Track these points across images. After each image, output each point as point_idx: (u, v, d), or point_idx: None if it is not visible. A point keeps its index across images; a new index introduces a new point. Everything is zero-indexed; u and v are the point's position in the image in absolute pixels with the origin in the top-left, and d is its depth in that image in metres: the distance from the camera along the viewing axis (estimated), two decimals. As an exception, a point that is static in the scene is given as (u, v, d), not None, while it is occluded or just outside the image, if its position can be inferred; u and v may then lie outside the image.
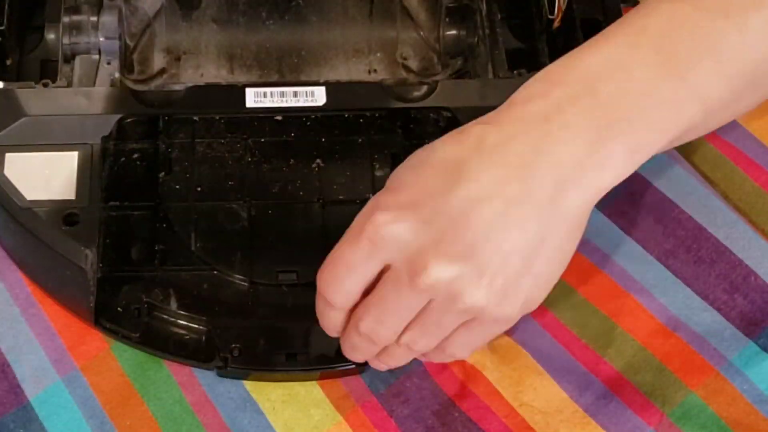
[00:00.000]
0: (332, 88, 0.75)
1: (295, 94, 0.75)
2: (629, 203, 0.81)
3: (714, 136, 0.84)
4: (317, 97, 0.75)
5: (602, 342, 0.75)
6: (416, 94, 0.75)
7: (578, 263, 0.78)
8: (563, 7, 0.80)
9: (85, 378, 0.73)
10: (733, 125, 0.85)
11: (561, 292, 0.77)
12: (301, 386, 0.75)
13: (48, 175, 0.72)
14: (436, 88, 0.76)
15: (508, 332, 0.75)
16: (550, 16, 0.83)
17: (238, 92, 0.75)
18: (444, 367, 0.75)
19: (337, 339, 0.73)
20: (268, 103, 0.75)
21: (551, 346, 0.76)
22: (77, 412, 0.72)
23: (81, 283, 0.70)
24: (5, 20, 0.80)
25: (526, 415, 0.73)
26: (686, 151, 0.84)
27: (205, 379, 0.74)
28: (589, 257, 0.79)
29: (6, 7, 0.81)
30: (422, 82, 0.77)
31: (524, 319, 0.72)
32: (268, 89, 0.75)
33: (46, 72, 0.82)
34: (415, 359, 0.73)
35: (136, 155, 0.80)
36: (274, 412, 0.73)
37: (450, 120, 0.79)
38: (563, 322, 0.76)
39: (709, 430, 0.72)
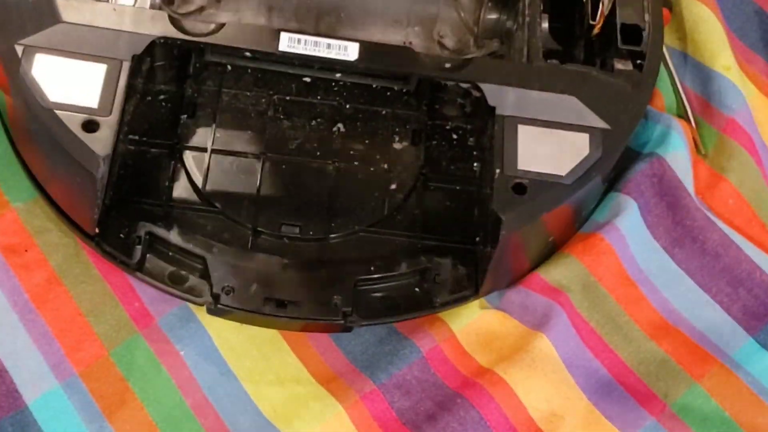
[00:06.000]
0: (366, 46, 0.75)
1: (329, 45, 0.76)
2: (649, 181, 0.80)
3: (733, 128, 0.84)
4: (350, 52, 0.75)
5: (609, 328, 0.75)
6: (447, 66, 0.75)
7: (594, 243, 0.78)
8: (606, 14, 0.80)
9: (83, 383, 0.73)
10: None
11: (575, 274, 0.77)
12: (301, 387, 0.74)
13: (74, 82, 0.71)
14: (468, 64, 0.75)
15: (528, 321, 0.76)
16: (592, 22, 0.83)
17: (273, 34, 0.75)
18: (445, 360, 0.75)
19: (326, 293, 0.73)
20: (300, 50, 0.75)
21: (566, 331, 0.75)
22: (76, 417, 0.72)
23: (90, 190, 0.71)
24: None
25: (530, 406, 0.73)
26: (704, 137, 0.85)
27: (205, 381, 0.74)
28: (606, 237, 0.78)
29: None
30: (456, 58, 0.77)
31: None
32: (302, 36, 0.75)
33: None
34: (415, 352, 0.73)
35: (162, 96, 0.81)
36: (275, 413, 0.73)
37: (476, 102, 0.79)
38: (576, 305, 0.76)
39: (711, 422, 0.72)
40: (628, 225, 0.78)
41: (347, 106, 0.82)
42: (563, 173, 0.73)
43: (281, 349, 0.75)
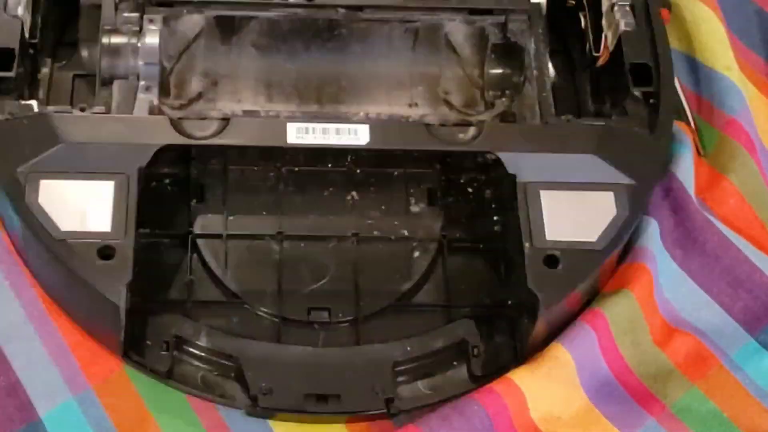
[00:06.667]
0: (376, 126, 0.73)
1: (338, 131, 0.74)
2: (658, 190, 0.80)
3: (734, 128, 0.84)
4: (360, 135, 0.74)
5: (622, 330, 0.75)
6: (461, 136, 0.74)
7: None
8: (610, 48, 0.78)
9: (98, 398, 0.72)
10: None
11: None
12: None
13: (83, 205, 0.70)
14: (482, 132, 0.74)
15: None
16: (595, 54, 0.81)
17: (280, 126, 0.73)
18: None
19: (365, 381, 0.72)
20: (310, 140, 0.73)
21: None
22: (89, 431, 0.71)
23: (113, 319, 0.69)
24: (38, 33, 0.79)
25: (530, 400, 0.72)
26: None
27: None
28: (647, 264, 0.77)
29: (39, 20, 0.79)
30: (467, 123, 0.75)
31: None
32: (310, 125, 0.73)
33: (78, 86, 0.80)
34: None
35: (167, 181, 0.79)
36: None
37: (493, 160, 0.77)
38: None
39: (710, 423, 0.72)
40: (656, 248, 0.78)
41: (358, 171, 0.80)
42: (594, 238, 0.72)
43: None
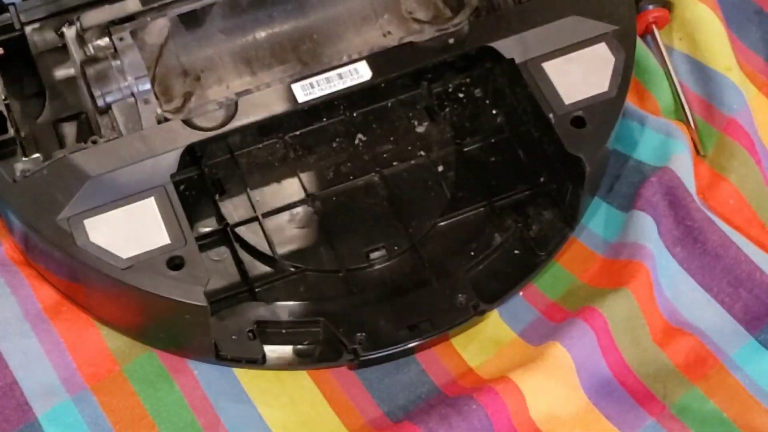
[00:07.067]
0: (372, 60, 0.75)
1: (340, 75, 0.75)
2: (655, 188, 0.79)
3: (734, 128, 0.84)
4: (362, 72, 0.75)
5: (622, 330, 0.75)
6: (451, 42, 0.76)
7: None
8: None
9: (95, 397, 0.72)
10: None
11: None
12: (313, 410, 0.74)
13: (135, 229, 0.69)
14: (469, 31, 0.76)
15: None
16: None
17: (287, 90, 0.74)
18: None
19: (447, 297, 0.74)
20: (318, 93, 0.74)
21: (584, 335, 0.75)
22: (86, 431, 0.71)
23: (202, 322, 0.70)
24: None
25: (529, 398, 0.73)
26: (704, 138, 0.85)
27: (217, 402, 0.74)
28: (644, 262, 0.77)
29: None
30: (446, 30, 0.77)
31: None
32: (313, 79, 0.75)
33: (63, 130, 0.79)
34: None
35: (183, 186, 0.79)
36: None
37: (464, 56, 0.79)
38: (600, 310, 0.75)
39: (709, 423, 0.73)
40: (654, 246, 0.78)
41: (355, 115, 0.82)
42: (606, 88, 0.75)
43: (296, 373, 0.75)
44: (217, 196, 0.79)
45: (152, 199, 0.71)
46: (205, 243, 0.78)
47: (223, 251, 0.78)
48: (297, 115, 0.80)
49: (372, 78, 0.75)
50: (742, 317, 0.77)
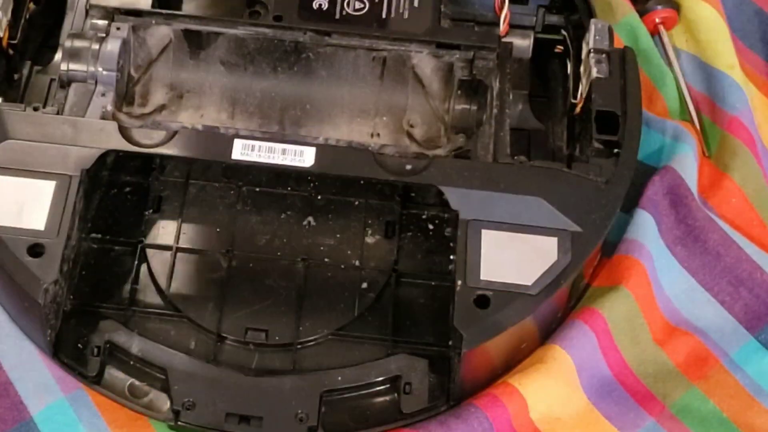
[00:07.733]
0: (322, 150, 0.73)
1: (284, 151, 0.73)
2: (658, 187, 0.79)
3: (736, 126, 0.84)
4: (305, 157, 0.73)
5: (622, 330, 0.74)
6: (407, 168, 0.73)
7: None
8: (584, 95, 0.77)
9: (89, 396, 0.72)
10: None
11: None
12: None
13: (21, 202, 0.70)
14: (429, 166, 0.73)
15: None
16: (573, 101, 0.79)
17: (226, 141, 0.73)
18: None
19: (292, 407, 0.71)
20: (254, 157, 0.73)
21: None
22: (81, 430, 0.71)
23: (36, 317, 0.69)
24: (18, 34, 0.80)
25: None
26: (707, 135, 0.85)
27: None
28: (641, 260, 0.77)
29: (23, 21, 0.81)
30: (421, 155, 0.74)
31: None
32: (256, 143, 0.73)
33: (54, 90, 0.81)
34: None
35: (128, 188, 0.79)
36: None
37: None
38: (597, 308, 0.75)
39: (709, 423, 0.72)
40: (653, 245, 0.77)
41: (318, 197, 0.80)
42: (529, 282, 0.70)
43: None
44: (149, 212, 0.78)
45: (53, 183, 0.71)
46: (114, 250, 0.77)
47: (126, 265, 0.77)
48: (265, 172, 0.78)
49: (311, 167, 0.73)
50: (742, 317, 0.77)
